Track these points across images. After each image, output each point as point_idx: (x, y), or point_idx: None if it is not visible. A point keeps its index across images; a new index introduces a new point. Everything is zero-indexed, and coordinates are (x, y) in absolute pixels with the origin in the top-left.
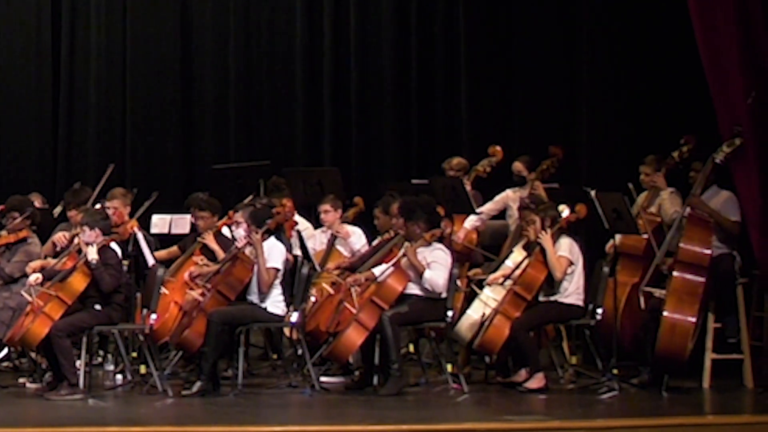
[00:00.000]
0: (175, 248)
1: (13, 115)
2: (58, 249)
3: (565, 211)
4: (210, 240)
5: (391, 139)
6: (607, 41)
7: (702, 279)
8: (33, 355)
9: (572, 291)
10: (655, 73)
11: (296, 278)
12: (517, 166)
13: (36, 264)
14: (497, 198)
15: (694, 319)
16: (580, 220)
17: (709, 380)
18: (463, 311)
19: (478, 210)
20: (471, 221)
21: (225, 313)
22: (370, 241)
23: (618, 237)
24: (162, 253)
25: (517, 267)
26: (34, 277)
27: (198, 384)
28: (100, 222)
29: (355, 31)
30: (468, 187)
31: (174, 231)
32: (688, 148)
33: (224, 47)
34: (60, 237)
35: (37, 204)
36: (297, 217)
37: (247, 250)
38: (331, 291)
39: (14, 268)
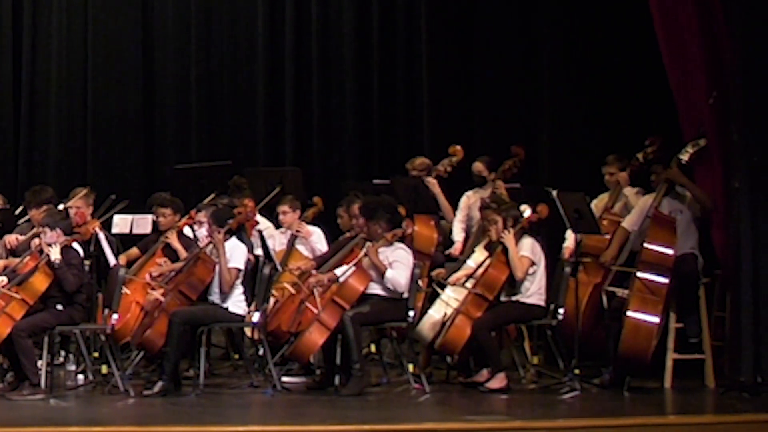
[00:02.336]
0: (133, 250)
1: None
2: (9, 249)
3: (526, 211)
4: (173, 239)
5: (352, 139)
6: (568, 41)
7: (665, 279)
8: None
9: (534, 291)
10: (617, 73)
11: (258, 278)
12: (478, 166)
13: None
14: (461, 205)
15: (657, 320)
16: (542, 220)
17: (670, 380)
18: (424, 311)
19: (456, 221)
20: (459, 233)
21: (186, 313)
22: (330, 241)
23: (570, 239)
24: (120, 256)
25: (478, 267)
26: None
27: (159, 384)
28: (60, 222)
29: (317, 32)
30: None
31: (135, 231)
32: (652, 149)
33: (185, 48)
34: (11, 239)
35: None
36: (258, 217)
37: (209, 250)
38: (293, 291)
39: None
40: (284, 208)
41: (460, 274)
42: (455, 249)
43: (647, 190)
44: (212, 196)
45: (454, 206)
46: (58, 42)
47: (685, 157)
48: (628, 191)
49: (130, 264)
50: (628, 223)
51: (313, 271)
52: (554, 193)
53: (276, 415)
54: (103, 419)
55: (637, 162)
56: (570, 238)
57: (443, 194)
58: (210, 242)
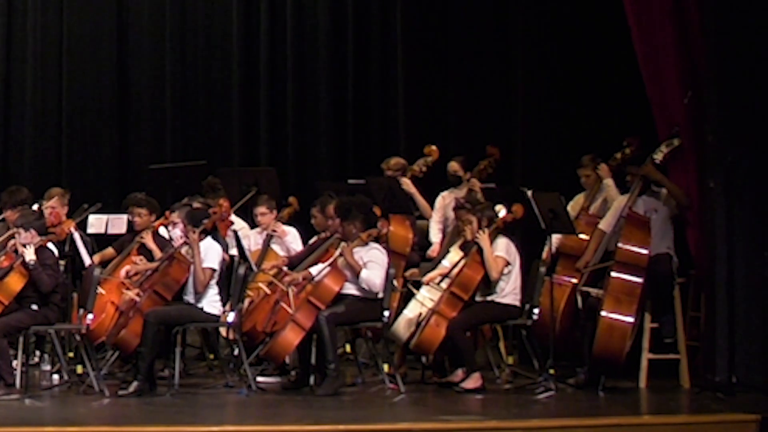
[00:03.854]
0: (108, 250)
1: None
2: None
3: (501, 211)
4: (148, 240)
5: (327, 139)
6: (543, 41)
7: (640, 279)
8: None
9: (509, 291)
10: (591, 72)
11: (233, 278)
12: (453, 166)
13: None
14: (437, 206)
15: (632, 320)
16: (517, 220)
17: (645, 380)
18: (399, 311)
19: (433, 222)
20: (437, 234)
21: (161, 313)
22: (305, 241)
23: (555, 239)
24: (95, 256)
25: (453, 267)
26: None
27: (134, 384)
28: (34, 223)
29: (292, 30)
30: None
31: (111, 231)
32: (631, 150)
33: (160, 48)
34: None
35: None
36: (233, 217)
37: (184, 250)
38: (268, 291)
39: None
40: (262, 209)
41: (434, 273)
42: (433, 250)
43: (624, 191)
44: (185, 199)
45: (431, 206)
46: (33, 41)
47: (659, 156)
48: (609, 182)
49: (104, 264)
50: (605, 225)
51: (284, 268)
52: (529, 193)
53: (251, 415)
54: (78, 419)
55: (615, 161)
56: (553, 242)
57: (419, 192)
58: (185, 242)
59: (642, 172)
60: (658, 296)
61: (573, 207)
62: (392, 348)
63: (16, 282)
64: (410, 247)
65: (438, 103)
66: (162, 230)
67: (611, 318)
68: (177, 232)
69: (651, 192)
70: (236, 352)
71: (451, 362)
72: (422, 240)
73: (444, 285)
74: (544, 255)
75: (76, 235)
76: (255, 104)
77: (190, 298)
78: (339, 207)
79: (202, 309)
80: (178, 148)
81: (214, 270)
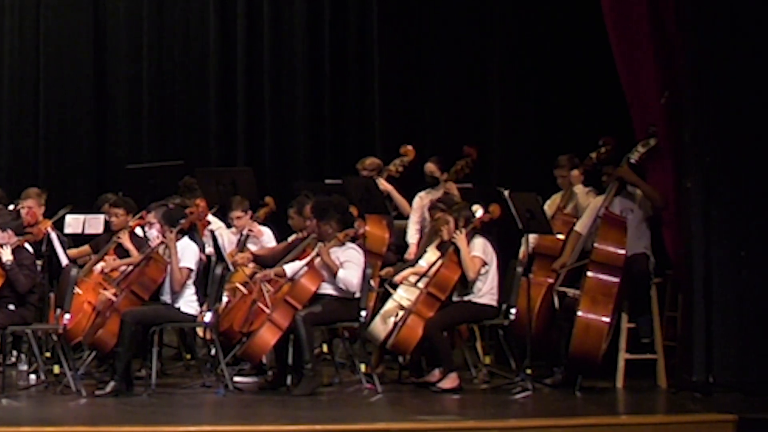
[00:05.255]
0: (86, 247)
1: None
2: None
3: (478, 211)
4: (125, 240)
5: (304, 139)
6: (519, 41)
7: (616, 279)
8: None
9: (486, 291)
10: (568, 72)
11: (209, 278)
12: (430, 167)
13: None
14: (414, 206)
15: (608, 320)
16: (494, 220)
17: (622, 380)
18: (376, 311)
19: (410, 222)
20: (414, 235)
21: (138, 313)
22: (280, 242)
23: (532, 239)
24: (72, 252)
25: (430, 267)
26: None
27: (111, 384)
28: (11, 223)
29: (269, 30)
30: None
31: (87, 231)
32: (607, 149)
33: (137, 48)
34: None
35: None
36: (210, 217)
37: (161, 250)
38: (245, 291)
39: None
40: (237, 213)
41: (407, 272)
42: (410, 253)
43: (600, 191)
44: (162, 201)
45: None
46: (10, 42)
47: (635, 157)
48: (579, 189)
49: (81, 265)
50: (581, 226)
51: (251, 265)
52: (506, 193)
53: (228, 415)
54: (55, 419)
55: (590, 161)
56: (530, 242)
57: (396, 190)
58: (162, 242)
59: (618, 174)
60: (635, 296)
61: (549, 206)
62: (369, 348)
63: None
64: (387, 247)
65: (414, 103)
66: (138, 230)
67: (588, 318)
68: (153, 232)
69: (627, 193)
70: (213, 352)
71: (428, 362)
72: (399, 240)
73: (421, 285)
74: (521, 255)
75: (53, 235)
76: (232, 104)
77: (166, 298)
78: (316, 207)
79: (179, 309)
80: (155, 148)
81: (191, 270)
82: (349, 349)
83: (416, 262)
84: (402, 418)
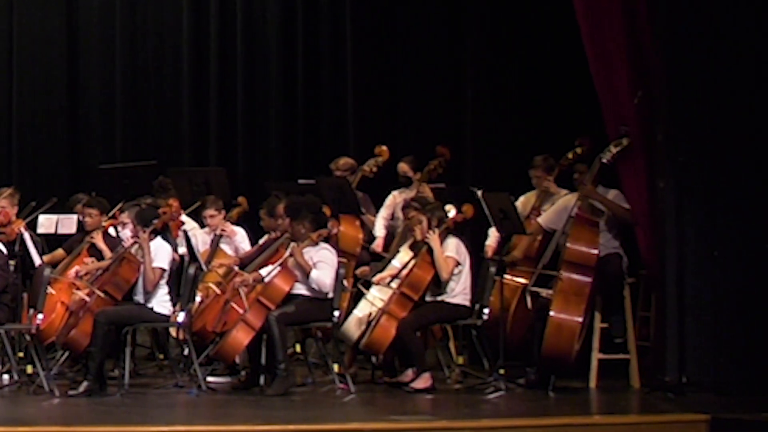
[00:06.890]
0: (59, 252)
1: None
2: None
3: (451, 212)
4: (99, 240)
5: (277, 139)
6: (492, 40)
7: (589, 279)
8: None
9: (459, 291)
10: (541, 72)
11: (183, 278)
12: (403, 167)
13: None
14: (387, 203)
15: (580, 319)
16: (467, 220)
17: (595, 380)
18: (349, 311)
19: (379, 216)
20: (381, 229)
21: (112, 313)
22: (254, 241)
23: (493, 237)
24: (47, 258)
25: (404, 267)
26: None
27: (84, 384)
28: None
29: (242, 31)
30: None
31: (60, 231)
32: (582, 150)
33: (110, 47)
34: None
35: None
36: (183, 217)
37: (134, 250)
38: (218, 291)
39: None
40: (210, 211)
41: (384, 274)
42: (377, 245)
43: (572, 190)
44: (135, 201)
45: (381, 203)
46: None
47: (607, 156)
48: (562, 193)
49: (54, 265)
50: (544, 219)
51: (236, 267)
52: (479, 193)
53: (201, 415)
54: (28, 419)
55: (566, 161)
56: (492, 236)
57: (368, 198)
58: (135, 242)
59: (583, 193)
60: (608, 296)
61: (523, 204)
62: (342, 348)
63: None
64: (360, 246)
65: (388, 103)
66: (111, 230)
67: (560, 318)
68: (127, 233)
69: (601, 191)
70: (186, 352)
71: (401, 362)
72: (368, 235)
73: (394, 285)
74: (486, 250)
75: (26, 235)
76: (205, 104)
77: (140, 298)
78: (289, 207)
79: (152, 309)
80: (129, 148)
81: (164, 270)
82: (322, 349)
83: (389, 261)
84: (375, 418)
